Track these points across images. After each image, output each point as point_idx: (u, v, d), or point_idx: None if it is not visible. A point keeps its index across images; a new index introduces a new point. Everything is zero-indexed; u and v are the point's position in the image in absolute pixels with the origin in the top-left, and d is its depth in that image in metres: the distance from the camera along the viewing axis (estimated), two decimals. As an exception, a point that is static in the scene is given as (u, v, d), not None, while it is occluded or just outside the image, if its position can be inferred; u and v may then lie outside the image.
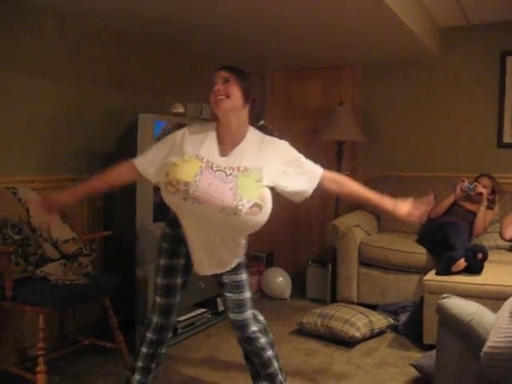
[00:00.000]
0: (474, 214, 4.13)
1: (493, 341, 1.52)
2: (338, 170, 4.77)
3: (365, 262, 4.25)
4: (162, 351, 2.57)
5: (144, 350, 2.50)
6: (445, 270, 3.46)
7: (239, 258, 2.40)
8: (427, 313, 3.34)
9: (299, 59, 5.03)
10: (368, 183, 4.83)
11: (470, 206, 4.18)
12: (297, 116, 5.43)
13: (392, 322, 3.81)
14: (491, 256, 3.69)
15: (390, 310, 3.95)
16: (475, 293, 3.19)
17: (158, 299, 2.45)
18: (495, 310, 1.79)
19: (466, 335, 1.81)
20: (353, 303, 4.16)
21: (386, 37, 4.08)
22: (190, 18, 3.54)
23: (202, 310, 3.90)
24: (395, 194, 4.56)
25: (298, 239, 5.53)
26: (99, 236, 3.25)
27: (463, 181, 4.15)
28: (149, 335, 2.49)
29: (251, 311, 2.52)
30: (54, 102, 3.40)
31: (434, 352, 2.61)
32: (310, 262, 4.76)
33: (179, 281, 2.45)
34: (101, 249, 3.41)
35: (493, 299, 2.89)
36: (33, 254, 2.87)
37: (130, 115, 3.45)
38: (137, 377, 2.50)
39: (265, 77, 5.64)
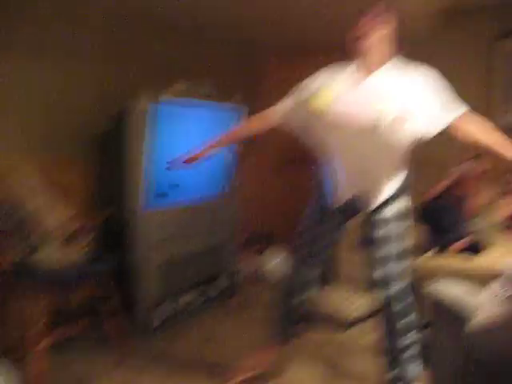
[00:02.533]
0: (466, 198, 4.12)
1: (476, 320, 1.55)
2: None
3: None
4: None
5: None
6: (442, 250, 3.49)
7: (392, 187, 2.37)
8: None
9: (296, 42, 4.89)
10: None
11: (462, 191, 4.17)
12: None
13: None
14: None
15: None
16: (468, 275, 3.19)
17: None
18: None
19: (456, 317, 1.84)
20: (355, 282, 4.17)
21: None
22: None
23: (199, 291, 3.90)
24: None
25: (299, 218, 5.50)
26: (100, 215, 3.25)
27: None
28: None
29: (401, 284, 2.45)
30: (49, 83, 3.37)
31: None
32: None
33: None
34: (100, 229, 3.40)
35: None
36: (30, 237, 2.87)
37: (125, 96, 3.40)
38: None
39: (259, 64, 5.53)
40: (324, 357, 3.14)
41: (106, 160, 3.64)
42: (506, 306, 1.47)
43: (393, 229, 2.39)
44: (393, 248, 2.39)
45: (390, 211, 2.39)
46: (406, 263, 2.44)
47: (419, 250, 3.83)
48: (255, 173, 5.41)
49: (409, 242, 2.49)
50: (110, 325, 3.06)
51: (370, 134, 2.16)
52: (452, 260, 3.38)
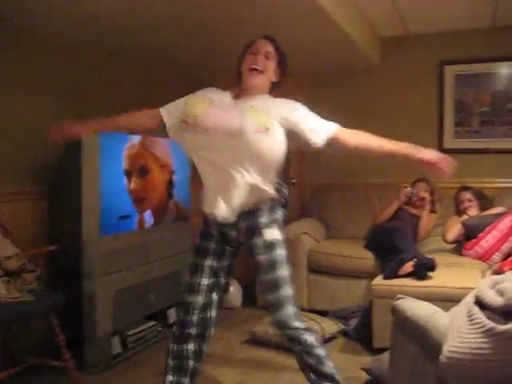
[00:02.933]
0: (418, 218, 4.26)
1: (453, 345, 1.54)
2: (286, 178, 4.82)
3: (314, 269, 4.30)
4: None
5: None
6: (391, 274, 3.53)
7: (262, 198, 2.31)
8: (376, 317, 3.40)
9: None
10: (316, 192, 4.96)
11: (413, 211, 4.31)
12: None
13: (342, 327, 3.85)
14: (436, 258, 3.82)
15: (341, 316, 4.00)
16: (422, 295, 3.20)
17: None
18: (443, 311, 1.83)
19: (421, 337, 1.82)
20: (303, 310, 4.18)
21: (327, 45, 4.14)
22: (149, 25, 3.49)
23: (153, 322, 3.83)
24: (343, 201, 4.74)
25: (248, 248, 5.51)
26: (44, 250, 3.16)
27: (405, 187, 4.29)
28: None
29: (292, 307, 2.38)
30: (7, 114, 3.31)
31: (384, 355, 2.64)
32: (260, 270, 4.74)
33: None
34: (46, 264, 3.30)
35: (440, 301, 2.95)
36: (-27, 273, 2.76)
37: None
38: None
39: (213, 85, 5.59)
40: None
41: (55, 192, 3.56)
42: (486, 338, 1.46)
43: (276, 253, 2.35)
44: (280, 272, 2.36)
45: (267, 234, 2.34)
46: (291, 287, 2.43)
47: (371, 273, 3.90)
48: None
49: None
50: (60, 360, 2.96)
51: (235, 139, 2.19)
52: (403, 282, 3.43)
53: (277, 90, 2.47)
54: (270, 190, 2.32)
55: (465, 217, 4.21)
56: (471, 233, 4.07)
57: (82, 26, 3.46)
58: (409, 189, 4.27)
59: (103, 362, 3.28)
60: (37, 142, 3.54)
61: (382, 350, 2.90)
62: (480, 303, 1.59)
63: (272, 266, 2.33)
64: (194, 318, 2.42)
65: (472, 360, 1.48)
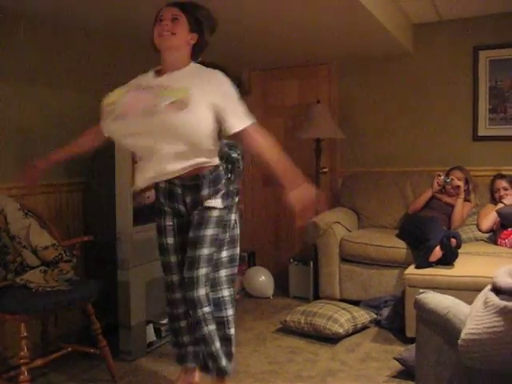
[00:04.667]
0: (452, 207, 4.20)
1: (469, 328, 1.56)
2: (317, 166, 4.81)
3: (346, 259, 4.29)
4: None
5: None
6: (423, 263, 3.50)
7: (197, 169, 2.32)
8: (409, 306, 3.37)
9: (276, 58, 5.04)
10: (347, 180, 4.94)
11: (447, 199, 4.25)
12: (274, 115, 5.44)
13: (374, 316, 3.84)
14: (469, 248, 3.77)
15: (373, 305, 3.99)
16: (454, 285, 3.24)
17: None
18: (473, 301, 1.82)
19: (443, 328, 1.85)
20: (335, 299, 4.19)
21: (360, 34, 4.10)
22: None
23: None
24: (375, 190, 4.71)
25: (280, 237, 5.55)
26: (79, 241, 3.22)
27: (439, 175, 4.24)
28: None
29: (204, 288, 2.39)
30: (28, 109, 3.37)
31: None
32: (291, 260, 4.77)
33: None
34: (82, 254, 3.38)
35: (470, 290, 2.92)
36: (12, 262, 2.84)
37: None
38: None
39: (242, 75, 5.65)
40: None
41: (90, 184, 3.63)
42: (499, 317, 1.48)
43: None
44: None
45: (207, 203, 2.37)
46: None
47: (404, 263, 3.87)
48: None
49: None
50: (96, 348, 3.03)
51: (150, 118, 2.18)
52: (435, 271, 3.40)
53: (204, 50, 2.42)
54: (205, 160, 2.31)
55: (500, 205, 4.13)
56: (507, 222, 3.99)
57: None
58: (442, 177, 4.21)
59: (137, 349, 3.34)
60: (71, 134, 3.62)
61: (414, 340, 2.88)
62: (496, 289, 1.60)
63: (201, 224, 2.36)
64: (178, 295, 2.48)
65: (488, 339, 1.49)
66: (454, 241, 3.53)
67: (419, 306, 2.08)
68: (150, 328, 3.48)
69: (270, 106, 5.53)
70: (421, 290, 2.15)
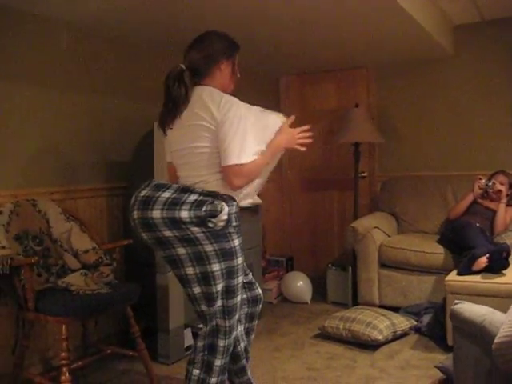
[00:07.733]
0: (494, 212, 4.08)
1: (502, 331, 1.53)
2: (356, 171, 4.76)
3: (385, 264, 4.22)
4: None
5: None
6: (465, 270, 3.42)
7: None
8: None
9: (313, 62, 5.02)
10: (386, 185, 4.87)
11: (489, 204, 4.14)
12: (312, 119, 5.39)
13: (415, 323, 3.77)
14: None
15: (412, 312, 3.92)
16: (496, 292, 3.15)
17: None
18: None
19: (480, 337, 1.81)
20: (374, 306, 4.13)
21: (400, 37, 4.05)
22: (201, 24, 3.54)
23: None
24: (415, 194, 4.63)
25: (318, 242, 5.51)
26: (119, 245, 3.27)
27: (480, 179, 4.13)
28: None
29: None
30: (70, 114, 3.44)
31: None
32: (329, 265, 4.73)
33: None
34: (121, 258, 3.43)
35: (514, 298, 2.87)
36: (54, 265, 2.90)
37: (145, 124, 3.47)
38: None
39: (279, 80, 5.66)
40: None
41: (129, 188, 3.68)
42: None
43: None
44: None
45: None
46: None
47: (444, 269, 3.79)
48: (275, 196, 5.42)
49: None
50: (134, 350, 3.05)
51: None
52: (478, 278, 3.32)
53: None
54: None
55: (545, 210, 4.01)
56: (552, 227, 3.88)
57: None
58: (483, 180, 4.10)
59: (175, 353, 3.36)
60: (110, 140, 3.69)
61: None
62: None
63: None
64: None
65: None
66: (504, 254, 3.42)
67: (455, 317, 2.05)
68: (188, 332, 3.50)
69: (307, 110, 5.50)
70: (456, 301, 2.11)
